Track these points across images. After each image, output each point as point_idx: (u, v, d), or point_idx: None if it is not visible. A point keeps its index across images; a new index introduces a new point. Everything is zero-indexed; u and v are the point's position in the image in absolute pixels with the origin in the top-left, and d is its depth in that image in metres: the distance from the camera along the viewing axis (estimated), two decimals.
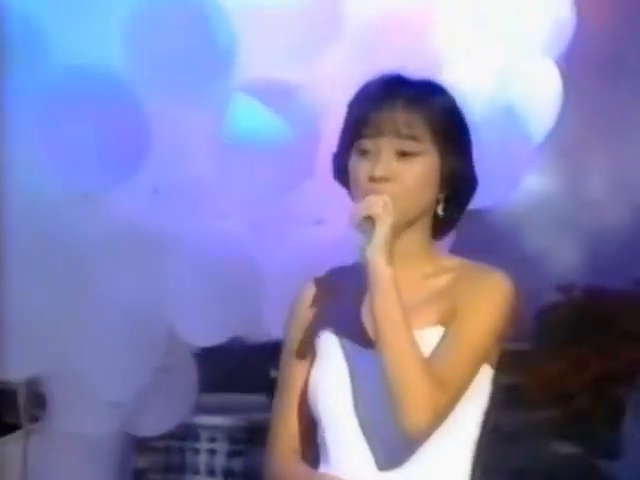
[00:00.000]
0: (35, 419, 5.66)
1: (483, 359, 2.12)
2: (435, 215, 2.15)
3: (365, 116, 2.11)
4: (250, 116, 3.42)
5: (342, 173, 2.17)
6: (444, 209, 2.14)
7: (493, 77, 3.67)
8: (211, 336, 3.84)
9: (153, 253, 3.67)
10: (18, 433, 5.60)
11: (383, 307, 2.04)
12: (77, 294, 3.65)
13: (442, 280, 2.15)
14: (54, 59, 3.37)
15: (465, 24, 3.63)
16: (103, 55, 3.38)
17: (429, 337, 2.10)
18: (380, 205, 2.06)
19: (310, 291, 2.22)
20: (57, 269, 3.59)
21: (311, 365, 2.17)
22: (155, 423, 4.27)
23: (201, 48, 3.39)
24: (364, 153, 2.11)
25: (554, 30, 3.95)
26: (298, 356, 2.18)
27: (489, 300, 2.12)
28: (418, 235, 2.14)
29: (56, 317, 3.70)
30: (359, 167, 2.11)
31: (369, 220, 2.06)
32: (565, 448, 7.79)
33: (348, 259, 3.15)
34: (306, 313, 2.20)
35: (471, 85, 3.55)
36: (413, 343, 2.04)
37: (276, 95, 3.40)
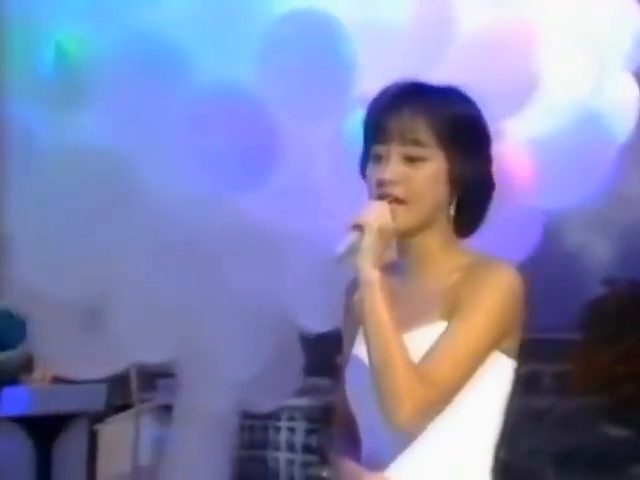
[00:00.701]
0: (144, 400, 5.94)
1: (484, 352, 2.08)
2: (456, 217, 2.13)
3: (377, 122, 2.11)
4: None
5: (365, 176, 2.15)
6: (457, 210, 2.11)
7: (582, 88, 3.86)
8: (322, 323, 4.06)
9: (275, 249, 3.90)
10: (130, 412, 5.87)
11: (369, 308, 2.04)
12: (208, 285, 3.90)
13: (453, 278, 2.12)
14: (195, 77, 3.60)
15: (559, 41, 3.81)
16: (238, 73, 3.59)
17: (434, 333, 2.08)
18: (372, 211, 2.06)
19: (351, 290, 2.20)
20: (190, 262, 3.83)
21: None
22: (266, 401, 4.52)
23: (324, 66, 3.59)
24: (378, 158, 2.11)
25: (633, 44, 4.16)
26: (345, 349, 2.20)
27: (488, 294, 2.08)
28: (437, 236, 2.13)
29: (189, 306, 3.95)
30: (372, 171, 2.11)
31: (359, 228, 2.05)
32: (615, 431, 7.93)
33: None
34: (352, 310, 2.20)
35: (564, 95, 3.76)
36: (398, 343, 2.02)
37: None
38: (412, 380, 2.00)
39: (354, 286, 2.13)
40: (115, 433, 6.05)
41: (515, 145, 3.73)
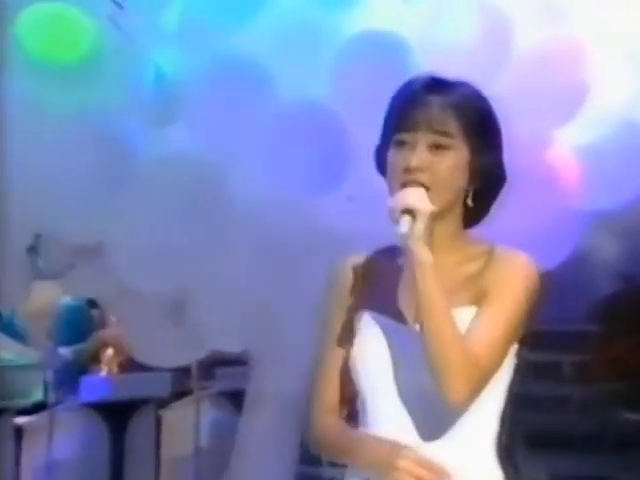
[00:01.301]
0: (203, 387, 6.15)
1: (514, 336, 2.12)
2: (466, 206, 2.14)
3: (405, 111, 2.13)
4: None
5: (383, 165, 2.19)
6: (473, 200, 2.13)
7: (627, 98, 4.08)
8: None
9: (345, 248, 4.13)
10: (191, 398, 6.09)
11: (425, 290, 2.03)
12: (283, 280, 4.13)
13: (474, 266, 2.13)
14: (277, 93, 3.84)
15: (606, 55, 4.04)
16: (315, 89, 3.83)
17: (462, 316, 2.09)
18: (417, 197, 2.06)
19: (349, 273, 2.21)
20: (269, 259, 4.06)
21: (351, 342, 2.15)
22: None
23: (390, 81, 3.82)
24: (401, 145, 2.11)
25: None
26: (339, 333, 2.16)
27: (515, 281, 2.10)
28: (451, 224, 2.14)
29: (265, 300, 4.18)
30: (396, 158, 2.12)
31: (408, 211, 2.05)
32: (634, 416, 8.11)
33: None
34: (347, 294, 2.19)
35: (610, 105, 3.99)
36: (451, 322, 2.03)
37: None
38: (466, 358, 2.02)
39: (345, 270, 2.17)
40: (177, 418, 6.26)
41: (564, 151, 3.98)
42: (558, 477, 5.81)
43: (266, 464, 4.57)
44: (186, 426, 5.90)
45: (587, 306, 8.75)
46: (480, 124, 2.13)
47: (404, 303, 2.14)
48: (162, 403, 6.17)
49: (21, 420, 5.33)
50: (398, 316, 2.14)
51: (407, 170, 2.08)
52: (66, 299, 5.96)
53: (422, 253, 2.04)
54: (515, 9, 3.82)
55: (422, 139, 2.09)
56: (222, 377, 6.17)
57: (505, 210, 3.93)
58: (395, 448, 2.05)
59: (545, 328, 6.14)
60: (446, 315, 2.03)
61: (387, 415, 2.11)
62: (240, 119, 3.75)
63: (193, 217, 3.88)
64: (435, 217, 2.08)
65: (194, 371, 5.86)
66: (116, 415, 5.76)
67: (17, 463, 5.26)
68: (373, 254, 2.25)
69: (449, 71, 4.02)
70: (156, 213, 3.86)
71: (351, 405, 2.16)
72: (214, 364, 6.13)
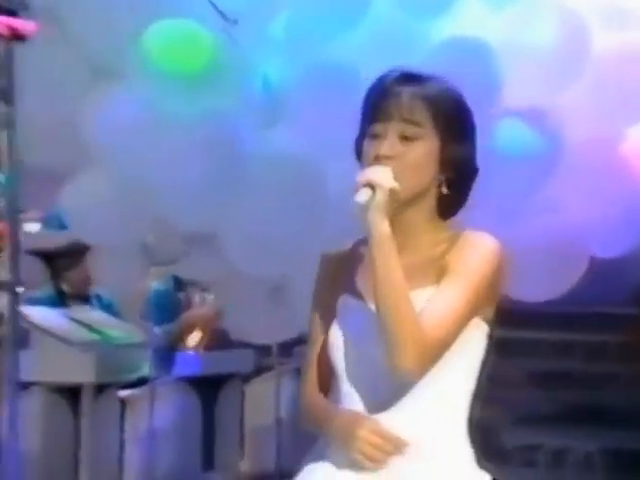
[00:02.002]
0: (283, 364, 6.37)
1: (471, 312, 2.07)
2: (441, 196, 2.11)
3: (377, 103, 2.09)
4: (512, 134, 4.08)
5: (360, 156, 2.14)
6: (448, 189, 2.10)
7: None
8: None
9: None
10: (271, 373, 6.32)
11: (382, 260, 1.99)
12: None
13: (440, 248, 2.11)
14: None
15: None
16: None
17: (424, 297, 2.06)
18: (380, 173, 2.03)
19: (330, 263, 2.20)
20: None
21: (331, 323, 2.13)
22: None
23: (476, 79, 4.01)
24: (375, 136, 2.08)
25: None
26: (322, 315, 2.16)
27: (474, 257, 2.07)
28: (423, 211, 2.11)
29: None
30: (369, 148, 2.09)
31: (369, 186, 2.02)
32: None
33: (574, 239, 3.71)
34: (328, 282, 2.18)
35: None
36: (404, 291, 2.00)
37: (533, 118, 4.05)
38: (419, 331, 2.00)
39: (331, 258, 2.17)
40: (259, 391, 6.47)
41: (636, 147, 4.15)
42: (607, 450, 5.95)
43: None
44: (268, 399, 6.14)
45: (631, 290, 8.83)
46: (450, 115, 2.12)
47: (364, 281, 2.13)
48: (246, 378, 6.40)
49: (124, 393, 5.60)
50: (359, 294, 2.14)
51: (377, 158, 2.08)
52: (155, 284, 6.21)
53: (379, 223, 2.02)
54: (590, 13, 3.99)
55: (392, 129, 2.08)
56: (299, 354, 6.38)
57: (581, 200, 4.15)
58: (357, 419, 2.06)
59: (593, 309, 6.28)
60: (404, 289, 2.01)
61: (351, 390, 2.11)
62: (337, 120, 3.95)
63: (294, 209, 4.10)
64: (407, 204, 2.08)
65: (275, 349, 6.08)
66: (207, 388, 6.02)
67: (121, 431, 5.53)
68: (355, 243, 2.24)
69: (529, 73, 4.23)
70: (262, 205, 4.09)
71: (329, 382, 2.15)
72: (293, 343, 6.34)
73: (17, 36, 3.25)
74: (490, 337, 2.12)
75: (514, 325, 6.28)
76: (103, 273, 4.42)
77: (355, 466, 2.04)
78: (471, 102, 4.17)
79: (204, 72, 3.80)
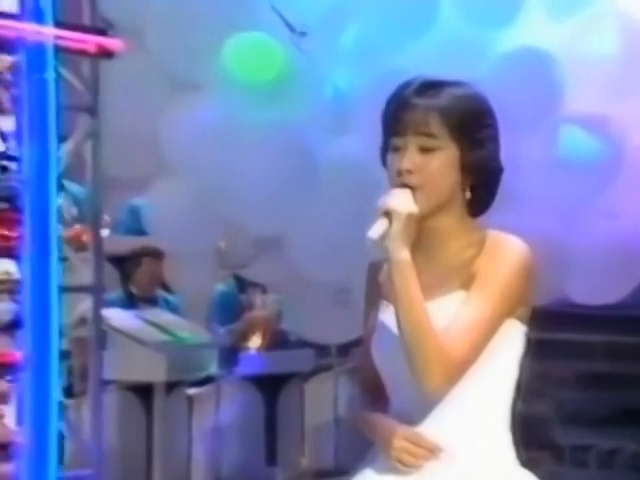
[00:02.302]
0: (341, 363, 6.43)
1: (500, 317, 2.06)
2: (468, 199, 2.08)
3: (395, 116, 2.09)
4: (574, 140, 4.13)
5: (386, 165, 2.13)
6: (472, 192, 2.07)
7: None
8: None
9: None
10: (330, 373, 6.39)
11: (401, 287, 2.01)
12: None
13: (470, 252, 2.08)
14: None
15: None
16: None
17: (454, 301, 2.06)
18: (398, 199, 2.04)
19: (379, 268, 2.17)
20: None
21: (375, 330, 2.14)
22: None
23: (540, 88, 4.07)
24: (395, 149, 2.08)
25: None
26: (369, 321, 2.17)
27: (502, 265, 2.05)
28: (450, 215, 2.09)
29: None
30: (391, 161, 2.09)
31: (386, 214, 2.03)
32: None
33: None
34: (374, 289, 2.17)
35: None
36: (427, 318, 2.02)
37: (594, 125, 4.10)
38: (440, 351, 2.01)
39: (378, 265, 2.14)
40: (319, 390, 6.55)
41: None
42: None
43: None
44: (326, 398, 6.22)
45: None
46: (467, 123, 2.08)
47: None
48: (306, 377, 6.48)
49: (192, 391, 5.70)
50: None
51: (399, 173, 2.07)
52: (219, 286, 6.31)
53: (397, 252, 2.03)
54: None
55: (411, 142, 2.07)
56: (356, 354, 6.44)
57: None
58: (392, 428, 2.08)
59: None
60: (423, 312, 2.02)
61: (394, 395, 2.12)
62: None
63: (360, 215, 4.15)
64: (434, 211, 2.07)
65: (333, 349, 6.15)
66: (269, 387, 6.11)
67: (189, 427, 5.63)
68: None
69: (591, 80, 4.27)
70: (329, 211, 4.16)
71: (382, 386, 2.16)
72: (351, 343, 6.40)
73: (105, 53, 3.36)
74: (527, 335, 2.11)
75: (567, 327, 6.33)
76: (177, 277, 4.52)
77: (401, 472, 2.08)
78: (535, 110, 4.27)
79: (277, 83, 3.89)
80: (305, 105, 4.01)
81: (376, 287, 2.16)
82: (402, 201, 2.05)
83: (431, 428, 2.05)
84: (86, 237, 3.76)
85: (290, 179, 4.05)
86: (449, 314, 2.04)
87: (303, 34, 3.92)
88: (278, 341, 6.36)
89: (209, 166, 3.99)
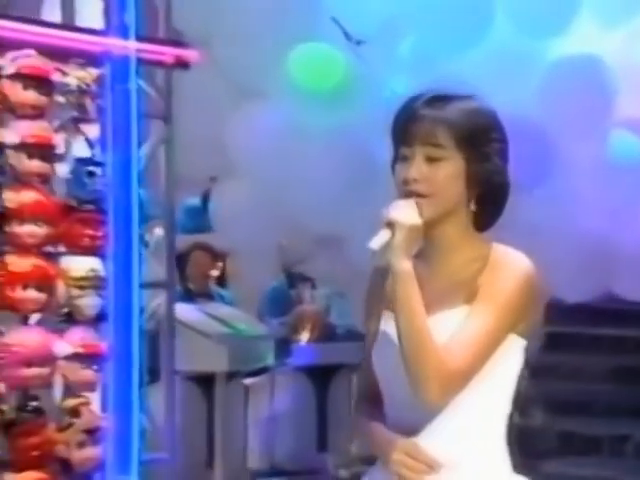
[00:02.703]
0: None
1: (502, 333, 2.04)
2: (473, 211, 2.06)
3: (403, 127, 2.07)
4: (625, 144, 4.22)
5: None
6: (478, 205, 2.05)
7: None
8: (576, 295, 4.63)
9: (540, 238, 4.50)
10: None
11: (403, 298, 1.99)
12: None
13: (473, 267, 2.06)
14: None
15: None
16: (524, 104, 4.16)
17: (457, 316, 2.03)
18: (401, 211, 2.02)
19: (376, 278, 2.16)
20: None
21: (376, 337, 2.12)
22: None
23: (591, 98, 4.16)
24: (404, 159, 2.07)
25: None
26: (369, 329, 2.14)
27: (506, 280, 2.02)
28: (455, 227, 2.08)
29: None
30: (398, 171, 2.08)
31: (389, 225, 2.01)
32: None
33: None
34: (375, 297, 2.14)
35: None
36: (427, 330, 1.99)
37: None
38: (440, 363, 1.99)
39: (380, 273, 2.11)
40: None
41: None
42: None
43: None
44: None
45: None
46: (474, 136, 2.06)
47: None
48: (354, 368, 6.60)
49: (248, 381, 5.85)
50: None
51: (406, 182, 2.06)
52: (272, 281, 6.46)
53: (401, 265, 2.00)
54: None
55: (418, 152, 2.06)
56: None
57: None
58: (392, 442, 2.06)
59: None
60: (424, 324, 2.00)
61: (395, 408, 2.09)
62: None
63: None
64: (440, 221, 2.06)
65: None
66: (320, 377, 6.25)
67: (245, 415, 5.78)
68: None
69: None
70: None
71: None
72: None
73: (181, 64, 3.50)
74: (526, 350, 2.09)
75: (605, 322, 6.39)
76: (238, 273, 4.66)
77: None
78: (587, 115, 4.34)
79: (338, 90, 4.02)
80: (364, 111, 4.13)
81: (378, 293, 2.13)
82: (405, 212, 2.04)
83: (429, 439, 2.05)
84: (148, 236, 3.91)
85: (350, 181, 4.18)
86: (452, 328, 2.03)
87: (360, 42, 4.04)
88: (327, 334, 6.50)
89: (272, 169, 4.13)
